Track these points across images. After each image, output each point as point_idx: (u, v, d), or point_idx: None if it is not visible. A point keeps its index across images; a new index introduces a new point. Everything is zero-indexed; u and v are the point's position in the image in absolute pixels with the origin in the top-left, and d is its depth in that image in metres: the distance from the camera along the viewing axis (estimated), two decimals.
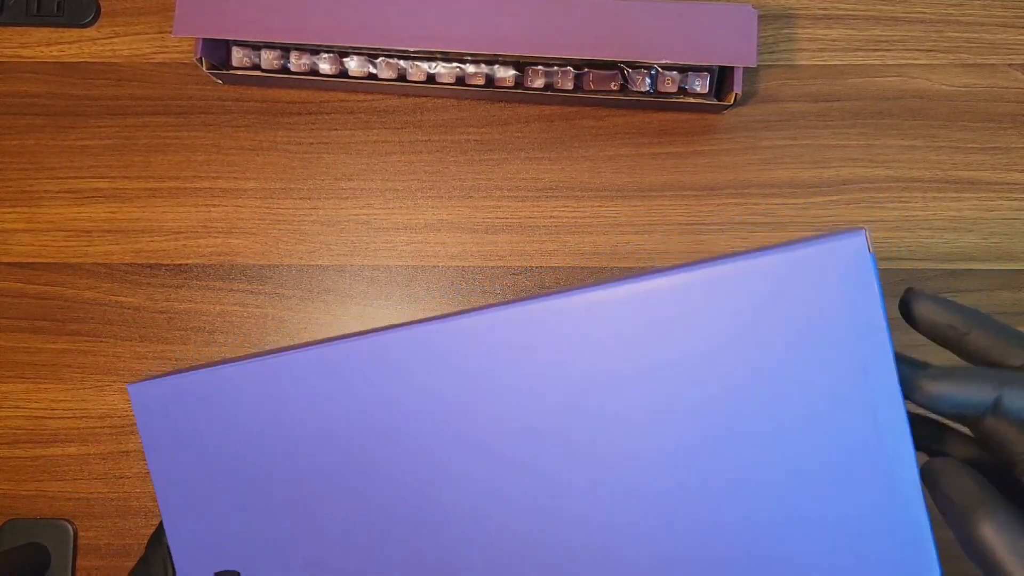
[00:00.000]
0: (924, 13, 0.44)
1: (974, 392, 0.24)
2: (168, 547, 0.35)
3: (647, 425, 0.27)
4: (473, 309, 0.29)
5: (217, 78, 0.44)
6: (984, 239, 0.43)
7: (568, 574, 0.28)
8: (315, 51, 0.42)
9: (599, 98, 0.42)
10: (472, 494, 0.29)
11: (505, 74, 0.42)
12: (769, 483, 0.27)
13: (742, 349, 0.26)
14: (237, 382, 0.32)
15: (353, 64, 0.42)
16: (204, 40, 0.41)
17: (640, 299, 0.27)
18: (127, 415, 0.43)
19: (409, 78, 0.42)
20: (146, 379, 0.34)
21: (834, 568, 0.26)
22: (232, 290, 0.44)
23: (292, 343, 0.43)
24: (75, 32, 0.45)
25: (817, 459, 0.26)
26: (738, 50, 0.40)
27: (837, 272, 0.25)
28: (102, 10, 0.45)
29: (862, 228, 0.25)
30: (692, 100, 0.42)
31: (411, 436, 0.30)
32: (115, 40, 0.45)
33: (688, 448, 0.27)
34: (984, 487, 0.24)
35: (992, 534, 0.23)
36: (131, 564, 0.43)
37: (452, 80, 0.42)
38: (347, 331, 0.43)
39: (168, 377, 0.33)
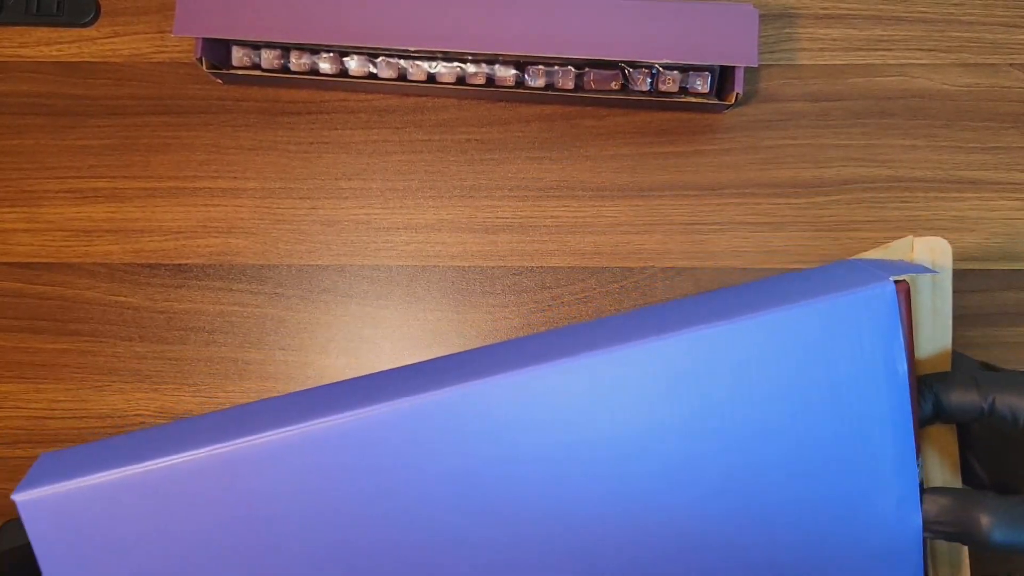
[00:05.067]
0: (925, 13, 0.44)
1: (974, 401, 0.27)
2: None
3: (678, 479, 0.26)
4: (465, 374, 0.26)
5: (217, 78, 0.44)
6: (986, 239, 0.43)
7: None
8: (315, 50, 0.42)
9: (600, 97, 0.42)
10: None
11: (506, 73, 0.42)
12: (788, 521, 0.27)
13: (770, 398, 0.26)
14: (147, 489, 0.27)
15: (353, 64, 0.42)
16: (204, 40, 0.41)
17: (656, 357, 0.26)
18: (127, 415, 0.43)
19: (409, 78, 0.42)
20: (38, 488, 0.27)
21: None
22: (232, 290, 0.44)
23: (293, 349, 0.43)
24: (75, 32, 0.45)
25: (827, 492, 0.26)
26: (739, 50, 0.40)
27: (862, 322, 0.25)
28: (102, 9, 0.45)
29: (888, 280, 0.25)
30: (693, 100, 0.42)
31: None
32: (115, 40, 0.45)
33: (717, 493, 0.27)
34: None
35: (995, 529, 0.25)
36: None
37: (452, 80, 0.42)
38: (347, 331, 0.43)
39: (62, 487, 0.27)
